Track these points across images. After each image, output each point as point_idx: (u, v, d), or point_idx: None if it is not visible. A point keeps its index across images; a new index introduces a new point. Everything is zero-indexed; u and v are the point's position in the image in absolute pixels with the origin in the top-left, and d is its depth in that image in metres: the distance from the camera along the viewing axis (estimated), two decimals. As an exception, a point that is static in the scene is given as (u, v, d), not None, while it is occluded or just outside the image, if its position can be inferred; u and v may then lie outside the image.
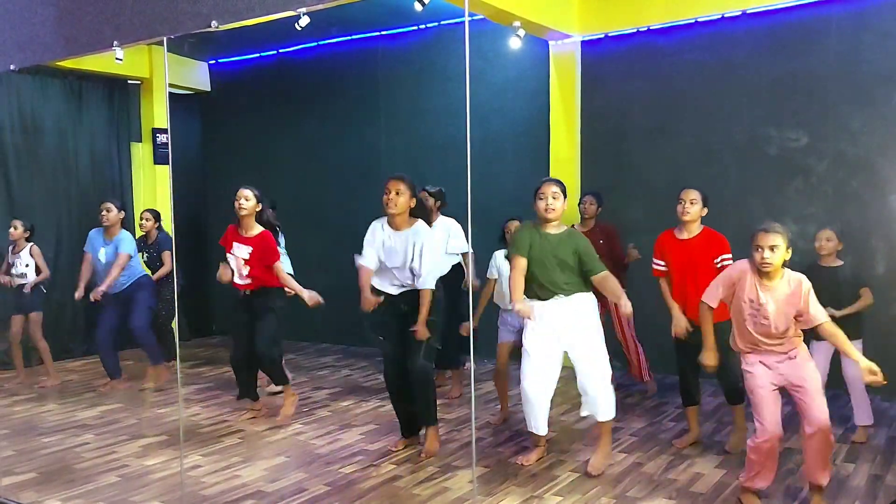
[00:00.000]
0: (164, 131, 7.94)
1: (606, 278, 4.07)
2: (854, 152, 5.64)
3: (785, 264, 3.45)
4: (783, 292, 3.41)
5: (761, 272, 3.42)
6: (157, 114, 7.98)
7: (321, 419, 5.22)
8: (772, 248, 3.37)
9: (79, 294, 6.19)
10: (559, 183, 4.16)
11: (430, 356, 4.38)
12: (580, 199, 5.86)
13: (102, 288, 5.90)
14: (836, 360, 4.74)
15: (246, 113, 8.47)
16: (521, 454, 4.36)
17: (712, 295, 3.64)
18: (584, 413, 4.26)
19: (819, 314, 3.40)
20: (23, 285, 6.24)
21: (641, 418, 5.14)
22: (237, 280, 5.08)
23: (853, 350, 3.42)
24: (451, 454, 4.44)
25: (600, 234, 5.63)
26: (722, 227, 5.41)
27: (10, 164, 7.15)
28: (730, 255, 4.43)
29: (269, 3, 3.75)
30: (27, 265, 6.24)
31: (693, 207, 4.40)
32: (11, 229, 6.27)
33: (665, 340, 4.72)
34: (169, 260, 6.43)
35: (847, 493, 3.77)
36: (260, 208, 5.12)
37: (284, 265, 5.46)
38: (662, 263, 4.57)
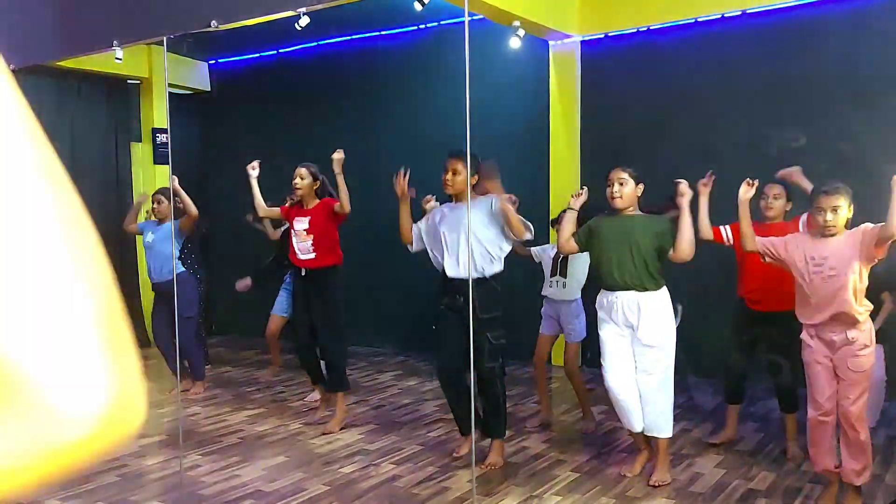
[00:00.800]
0: (164, 131, 7.94)
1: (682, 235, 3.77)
2: (853, 152, 5.64)
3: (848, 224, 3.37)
4: (846, 243, 3.32)
5: (827, 234, 3.33)
6: (157, 114, 7.98)
7: (321, 419, 5.22)
8: (834, 210, 3.29)
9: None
10: (629, 167, 3.91)
11: (495, 357, 4.07)
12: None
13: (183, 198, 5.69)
14: None
15: (246, 113, 8.48)
16: (624, 463, 4.13)
17: (763, 241, 3.54)
18: (637, 429, 3.95)
19: (889, 228, 3.22)
20: None
21: (641, 418, 5.13)
22: (299, 256, 4.87)
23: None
24: (450, 454, 4.43)
25: None
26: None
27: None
28: None
29: (268, 3, 3.75)
30: None
31: (777, 202, 4.30)
32: None
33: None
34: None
35: (846, 493, 3.76)
36: (318, 185, 4.97)
37: None
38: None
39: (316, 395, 5.43)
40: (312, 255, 4.83)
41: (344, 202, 4.72)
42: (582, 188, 4.17)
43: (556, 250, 4.89)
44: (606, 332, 3.93)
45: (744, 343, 4.34)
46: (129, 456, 4.51)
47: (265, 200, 5.18)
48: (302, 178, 4.93)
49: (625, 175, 3.87)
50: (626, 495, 3.78)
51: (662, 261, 3.88)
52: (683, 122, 6.24)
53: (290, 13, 3.81)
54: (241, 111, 8.50)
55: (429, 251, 4.29)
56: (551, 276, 4.91)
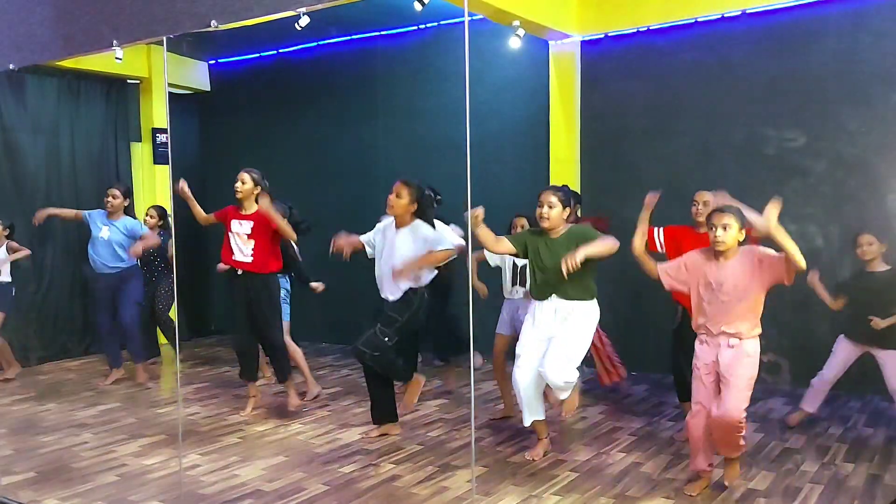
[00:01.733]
0: (163, 131, 7.93)
1: (598, 239, 4.13)
2: (852, 152, 5.65)
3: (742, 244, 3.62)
4: (742, 268, 3.55)
5: (716, 251, 3.58)
6: (157, 114, 7.98)
7: (320, 419, 5.22)
8: (724, 227, 3.53)
9: (38, 216, 6.22)
10: (558, 191, 4.28)
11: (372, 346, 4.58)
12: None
13: (138, 249, 6.08)
14: (865, 365, 4.75)
15: (246, 113, 8.47)
16: (527, 451, 4.41)
17: (666, 267, 3.81)
18: (527, 422, 4.32)
19: (792, 266, 3.43)
20: None
21: (640, 418, 5.14)
22: (237, 257, 5.10)
23: (792, 248, 3.41)
24: (450, 454, 4.44)
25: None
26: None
27: (10, 164, 7.15)
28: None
29: (268, 3, 3.75)
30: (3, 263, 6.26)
31: (706, 209, 4.41)
32: None
33: (662, 339, 4.71)
34: (170, 258, 6.42)
35: (845, 493, 3.76)
36: (258, 191, 5.14)
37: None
38: (663, 248, 4.61)
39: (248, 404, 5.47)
40: (250, 259, 5.09)
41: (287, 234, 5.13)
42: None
43: (512, 257, 4.97)
44: (526, 332, 4.28)
45: (685, 342, 4.36)
46: (128, 455, 4.51)
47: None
48: (244, 183, 5.13)
49: (553, 198, 4.21)
50: (626, 495, 3.78)
51: (590, 272, 4.18)
52: (683, 122, 6.24)
53: (290, 13, 3.80)
54: (241, 111, 8.49)
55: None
56: (511, 285, 5.05)
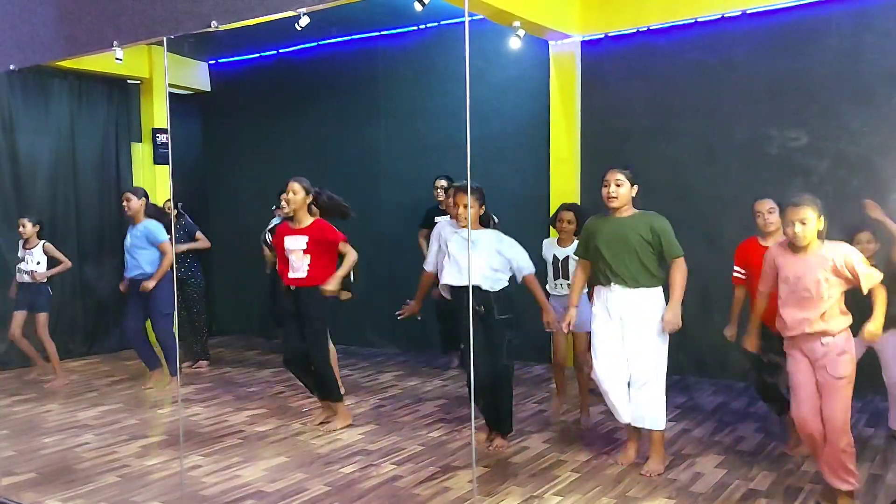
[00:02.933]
0: (164, 131, 7.94)
1: (678, 266, 3.97)
2: (854, 152, 5.64)
3: (821, 235, 3.42)
4: (820, 261, 3.37)
5: (796, 247, 3.41)
6: (157, 114, 7.98)
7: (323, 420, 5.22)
8: (802, 222, 3.35)
9: (122, 286, 6.28)
10: (625, 169, 4.04)
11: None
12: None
13: (150, 284, 5.98)
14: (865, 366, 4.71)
15: (246, 113, 8.47)
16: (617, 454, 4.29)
17: (762, 280, 3.67)
18: (624, 420, 4.14)
19: (868, 278, 3.30)
20: (30, 283, 6.24)
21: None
22: (290, 274, 4.86)
23: (881, 310, 3.35)
24: (451, 454, 4.44)
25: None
26: (722, 227, 5.43)
27: (10, 164, 7.15)
28: None
29: (269, 3, 3.75)
30: (38, 262, 6.25)
31: (772, 216, 4.30)
32: (21, 227, 6.28)
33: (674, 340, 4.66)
34: (203, 238, 6.57)
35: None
36: (311, 199, 4.88)
37: None
38: (742, 271, 4.44)
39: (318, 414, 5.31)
40: (305, 275, 4.82)
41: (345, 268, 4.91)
42: None
43: (553, 250, 4.96)
44: (598, 325, 4.12)
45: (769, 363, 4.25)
46: (129, 456, 4.51)
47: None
48: (295, 193, 4.82)
49: (621, 176, 4.01)
50: (627, 495, 3.78)
51: (658, 258, 4.02)
52: (683, 122, 6.23)
53: (290, 13, 3.80)
54: (241, 111, 8.49)
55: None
56: (554, 278, 5.00)
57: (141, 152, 8.07)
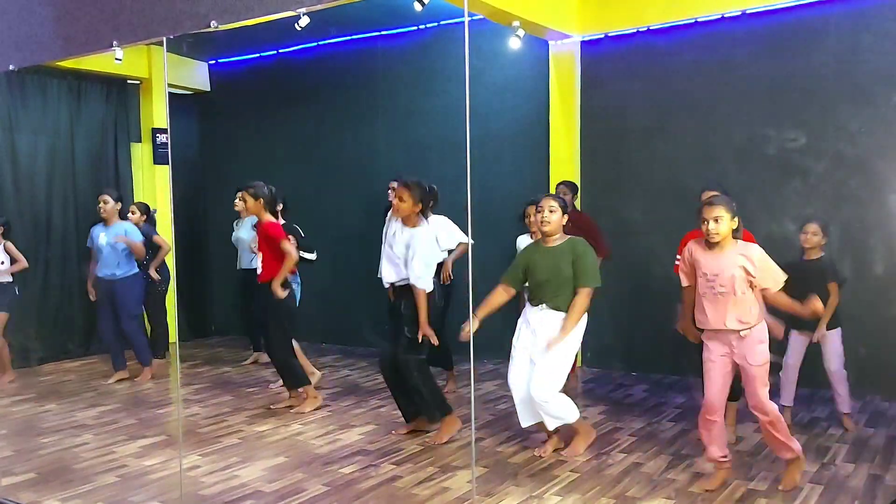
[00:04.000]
0: (163, 131, 7.93)
1: (582, 294, 4.23)
2: (852, 152, 5.64)
3: (735, 236, 3.67)
4: (735, 259, 3.60)
5: (710, 243, 3.63)
6: (157, 114, 7.98)
7: (320, 419, 5.22)
8: (716, 220, 3.58)
9: (92, 296, 6.43)
10: (557, 197, 4.34)
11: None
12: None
13: (152, 272, 6.34)
14: (813, 359, 4.77)
15: (246, 113, 8.47)
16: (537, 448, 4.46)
17: (683, 274, 3.86)
18: (524, 424, 4.41)
19: (773, 280, 3.61)
20: None
21: (641, 418, 5.14)
22: (258, 271, 5.35)
23: (794, 303, 3.69)
24: (450, 454, 4.44)
25: (574, 222, 5.55)
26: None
27: (9, 164, 7.15)
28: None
29: (268, 3, 3.74)
30: (2, 262, 6.24)
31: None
32: None
33: (662, 340, 4.70)
34: (163, 242, 6.58)
35: (846, 493, 3.76)
36: (261, 202, 5.25)
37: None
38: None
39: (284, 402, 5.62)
40: (261, 270, 5.30)
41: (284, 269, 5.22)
42: None
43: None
44: (520, 341, 4.38)
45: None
46: (128, 456, 4.51)
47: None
48: (241, 200, 5.42)
49: (554, 203, 4.27)
50: (626, 495, 3.78)
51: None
52: (683, 123, 6.23)
53: (290, 13, 3.80)
54: (241, 111, 8.49)
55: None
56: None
57: (141, 152, 8.07)
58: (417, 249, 4.49)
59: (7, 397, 5.97)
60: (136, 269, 6.36)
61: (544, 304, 4.28)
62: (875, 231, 5.56)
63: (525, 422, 4.38)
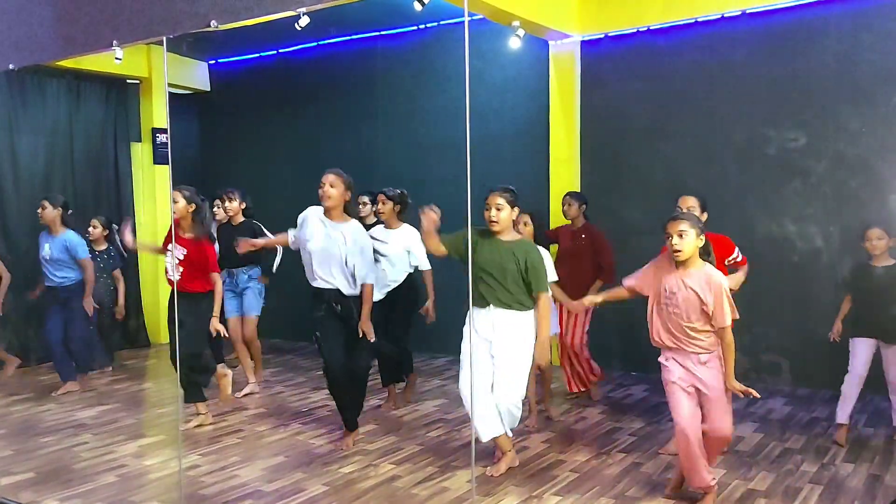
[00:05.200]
0: (163, 131, 7.93)
1: (543, 302, 4.00)
2: (853, 152, 5.64)
3: (704, 257, 3.52)
4: (696, 284, 3.44)
5: (676, 260, 3.49)
6: (157, 114, 7.98)
7: (320, 419, 5.22)
8: (680, 235, 3.43)
9: (37, 294, 6.17)
10: (506, 192, 4.00)
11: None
12: (562, 200, 5.71)
13: (87, 304, 5.93)
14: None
15: (246, 113, 8.47)
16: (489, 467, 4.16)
17: (633, 276, 3.74)
18: (484, 439, 4.07)
19: (722, 317, 3.39)
20: None
21: (640, 418, 5.14)
22: (171, 276, 4.79)
23: (730, 365, 3.46)
24: (450, 454, 4.43)
25: (587, 235, 5.54)
26: (721, 228, 5.40)
27: (9, 164, 7.15)
28: (736, 255, 4.44)
29: (268, 3, 3.74)
30: None
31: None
32: None
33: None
34: (121, 282, 6.36)
35: (846, 493, 3.76)
36: (194, 208, 4.85)
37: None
38: None
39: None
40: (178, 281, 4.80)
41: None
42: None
43: None
44: (466, 344, 4.05)
45: None
46: (128, 456, 4.51)
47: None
48: (175, 202, 4.79)
49: (502, 200, 3.99)
50: (626, 495, 3.77)
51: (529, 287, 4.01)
52: (683, 122, 6.23)
53: (290, 13, 3.80)
54: (241, 111, 8.49)
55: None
56: None
57: (140, 152, 8.07)
58: (358, 247, 4.40)
59: (6, 396, 5.97)
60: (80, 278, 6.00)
61: (491, 305, 3.98)
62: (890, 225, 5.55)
63: (486, 436, 4.01)
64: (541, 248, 4.29)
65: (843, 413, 4.55)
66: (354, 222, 4.52)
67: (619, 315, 6.36)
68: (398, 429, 4.95)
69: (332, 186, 4.41)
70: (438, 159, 6.98)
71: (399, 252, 5.23)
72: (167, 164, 7.83)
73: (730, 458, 4.28)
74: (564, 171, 6.63)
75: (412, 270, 5.34)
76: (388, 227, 5.33)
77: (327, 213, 4.48)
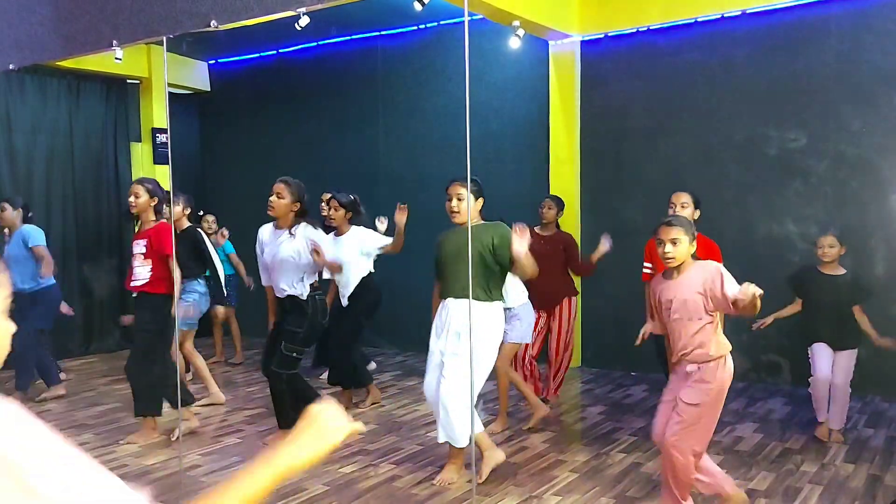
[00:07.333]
0: (163, 131, 7.93)
1: (524, 257, 3.69)
2: (854, 153, 5.64)
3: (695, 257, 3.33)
4: (690, 284, 3.20)
5: (668, 266, 3.27)
6: (157, 113, 7.98)
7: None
8: (673, 242, 3.19)
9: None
10: (468, 183, 3.71)
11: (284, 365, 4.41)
12: (543, 202, 5.52)
13: (47, 271, 5.47)
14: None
15: (246, 113, 8.48)
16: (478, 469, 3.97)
17: (651, 314, 3.56)
18: (461, 444, 3.88)
19: (732, 287, 3.08)
20: None
21: (640, 418, 5.13)
22: (134, 282, 4.63)
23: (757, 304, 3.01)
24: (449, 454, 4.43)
25: (561, 242, 5.44)
26: (722, 228, 5.43)
27: (9, 164, 7.16)
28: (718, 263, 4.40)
29: (268, 3, 3.74)
30: None
31: (684, 211, 4.22)
32: None
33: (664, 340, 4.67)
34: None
35: (846, 494, 3.76)
36: (156, 202, 4.62)
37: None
38: (651, 267, 4.51)
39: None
40: (146, 281, 4.59)
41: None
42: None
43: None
44: (433, 343, 3.98)
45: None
46: (128, 456, 4.51)
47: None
48: (137, 196, 4.59)
49: (463, 190, 3.83)
50: (626, 495, 3.77)
51: (501, 273, 3.89)
52: (683, 122, 6.23)
53: (290, 13, 3.80)
54: (241, 111, 8.50)
55: None
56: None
57: (140, 152, 8.07)
58: (308, 239, 4.32)
59: (5, 396, 5.95)
60: (53, 280, 5.73)
61: (461, 296, 3.79)
62: (876, 231, 5.56)
63: (463, 441, 3.84)
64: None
65: (820, 413, 4.59)
66: (303, 224, 4.37)
67: (618, 315, 6.36)
68: (398, 429, 4.95)
69: (279, 196, 4.32)
70: (438, 159, 6.99)
71: (353, 256, 5.20)
72: (167, 163, 7.83)
73: (729, 457, 4.29)
74: (564, 171, 6.63)
75: (372, 270, 5.39)
76: (337, 234, 5.31)
77: (276, 223, 4.44)
